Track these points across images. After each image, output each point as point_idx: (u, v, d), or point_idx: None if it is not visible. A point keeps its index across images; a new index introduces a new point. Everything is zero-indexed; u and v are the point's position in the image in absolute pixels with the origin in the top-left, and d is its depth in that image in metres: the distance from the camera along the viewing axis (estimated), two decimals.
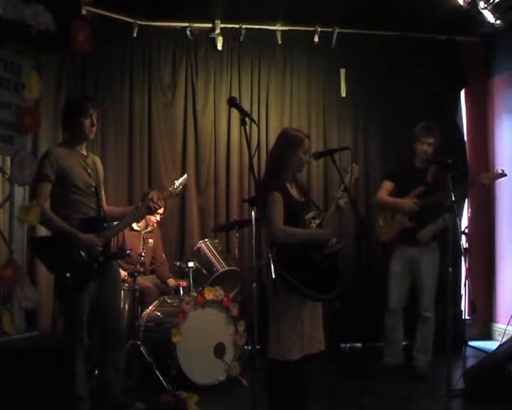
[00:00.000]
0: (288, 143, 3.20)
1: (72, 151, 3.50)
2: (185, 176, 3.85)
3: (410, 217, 4.59)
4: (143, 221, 5.05)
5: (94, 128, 3.54)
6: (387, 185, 4.78)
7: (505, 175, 4.49)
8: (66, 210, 3.42)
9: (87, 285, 3.42)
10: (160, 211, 4.74)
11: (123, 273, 4.66)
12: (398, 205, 4.66)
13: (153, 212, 3.73)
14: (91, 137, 3.59)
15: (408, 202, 4.59)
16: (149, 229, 5.12)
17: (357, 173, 3.31)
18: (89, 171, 3.52)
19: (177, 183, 3.74)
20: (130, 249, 4.66)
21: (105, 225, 3.55)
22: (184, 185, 3.79)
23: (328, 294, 3.11)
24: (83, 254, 3.39)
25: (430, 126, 4.67)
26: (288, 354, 3.04)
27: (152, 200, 3.61)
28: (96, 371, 4.09)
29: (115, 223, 3.68)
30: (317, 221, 3.16)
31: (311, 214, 3.16)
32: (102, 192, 3.66)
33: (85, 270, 3.40)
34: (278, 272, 2.88)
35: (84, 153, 3.58)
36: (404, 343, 4.87)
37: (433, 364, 4.60)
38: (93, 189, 3.53)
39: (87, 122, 3.48)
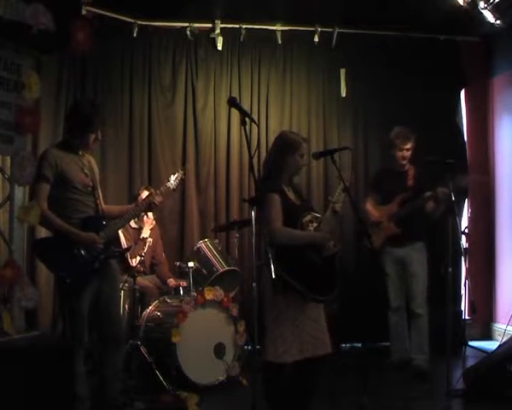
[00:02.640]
0: (285, 146, 3.22)
1: (68, 152, 3.51)
2: (181, 171, 3.84)
3: (397, 223, 4.65)
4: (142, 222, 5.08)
5: (97, 142, 3.62)
6: (372, 196, 4.90)
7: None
8: (65, 210, 3.43)
9: (89, 284, 3.42)
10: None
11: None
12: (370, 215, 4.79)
13: (152, 208, 3.74)
14: (92, 149, 3.66)
15: (375, 214, 4.74)
16: (148, 228, 5.12)
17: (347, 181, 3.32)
18: (85, 171, 3.54)
19: (172, 177, 3.75)
20: (130, 246, 4.65)
21: (104, 223, 3.55)
22: (180, 180, 3.80)
23: (326, 296, 3.11)
24: (83, 253, 3.39)
25: (405, 132, 4.72)
26: (284, 356, 3.02)
27: (151, 194, 3.68)
28: (96, 371, 4.08)
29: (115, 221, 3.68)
30: (314, 225, 3.16)
31: (307, 218, 3.17)
32: (99, 191, 3.67)
33: (87, 269, 3.40)
34: (278, 272, 2.88)
35: (80, 153, 3.59)
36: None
37: (433, 364, 4.60)
38: (90, 188, 3.54)
39: (93, 136, 3.53)
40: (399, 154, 4.71)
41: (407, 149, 4.70)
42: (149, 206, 3.66)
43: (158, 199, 3.65)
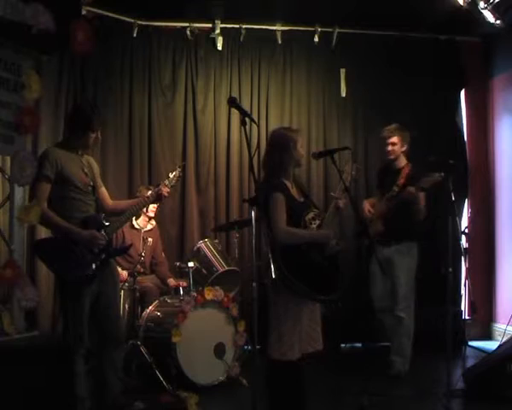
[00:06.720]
0: (279, 143, 3.21)
1: (68, 152, 3.52)
2: (178, 168, 3.85)
3: (384, 222, 4.61)
4: (143, 219, 5.11)
5: (97, 142, 3.66)
6: (376, 192, 4.92)
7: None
8: (66, 209, 3.42)
9: (89, 284, 3.42)
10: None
11: (123, 273, 4.67)
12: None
13: (160, 200, 3.74)
14: (92, 149, 3.71)
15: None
16: (149, 227, 5.13)
17: (355, 174, 3.32)
18: (85, 170, 3.54)
19: (171, 175, 3.76)
20: (131, 244, 4.65)
21: (104, 221, 3.55)
22: (178, 177, 3.80)
23: (329, 295, 3.12)
24: (84, 252, 3.39)
25: (392, 127, 4.70)
26: (289, 353, 3.04)
27: (157, 186, 3.70)
28: (96, 371, 4.08)
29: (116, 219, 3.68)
30: (317, 222, 3.16)
31: (310, 215, 3.17)
32: (101, 189, 3.68)
33: (88, 269, 3.40)
34: (281, 272, 2.89)
35: (79, 153, 3.60)
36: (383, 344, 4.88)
37: (433, 364, 4.60)
38: (90, 187, 3.54)
39: (93, 136, 3.54)
40: (386, 148, 4.70)
41: (392, 143, 4.66)
42: (159, 197, 3.66)
43: (166, 190, 3.66)
